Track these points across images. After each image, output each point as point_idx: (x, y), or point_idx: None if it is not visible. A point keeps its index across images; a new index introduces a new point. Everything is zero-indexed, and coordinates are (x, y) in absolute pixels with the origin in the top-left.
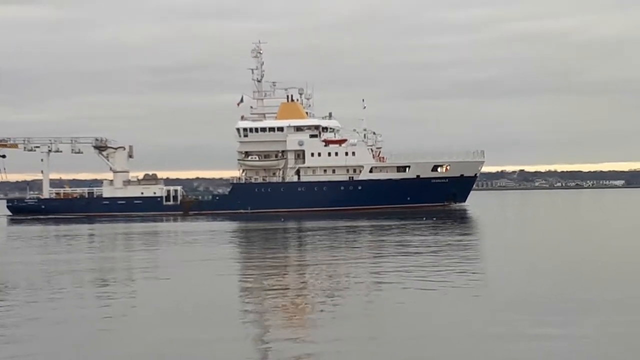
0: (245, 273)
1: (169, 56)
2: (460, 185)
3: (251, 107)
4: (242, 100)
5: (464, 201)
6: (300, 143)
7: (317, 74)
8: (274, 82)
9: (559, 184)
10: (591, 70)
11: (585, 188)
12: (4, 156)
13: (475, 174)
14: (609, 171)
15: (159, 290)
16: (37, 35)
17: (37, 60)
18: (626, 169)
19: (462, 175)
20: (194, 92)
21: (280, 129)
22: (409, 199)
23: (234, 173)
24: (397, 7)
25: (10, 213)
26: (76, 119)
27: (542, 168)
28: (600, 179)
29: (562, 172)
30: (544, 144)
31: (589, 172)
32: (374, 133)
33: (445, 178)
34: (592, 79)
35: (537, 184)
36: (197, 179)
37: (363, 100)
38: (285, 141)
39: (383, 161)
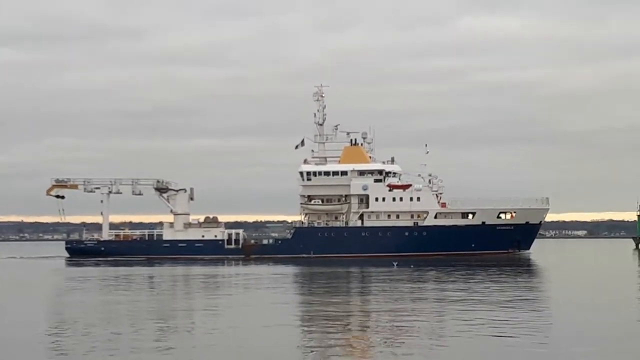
0: (306, 325)
1: (139, 100)
2: (525, 233)
3: (312, 150)
4: (302, 144)
5: (528, 249)
6: (365, 187)
7: (289, 118)
8: (336, 126)
9: None
10: (557, 122)
11: (548, 238)
12: (62, 197)
13: (540, 221)
14: (572, 221)
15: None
16: (5, 77)
17: (4, 103)
18: (589, 219)
19: (527, 223)
20: (164, 136)
21: (344, 172)
22: (473, 245)
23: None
24: (365, 56)
25: (68, 255)
26: (43, 162)
27: None
28: (562, 229)
29: None
30: (506, 192)
31: (552, 221)
32: (436, 178)
33: (510, 225)
34: (558, 130)
35: None
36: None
37: (426, 145)
38: (349, 185)
39: (445, 207)
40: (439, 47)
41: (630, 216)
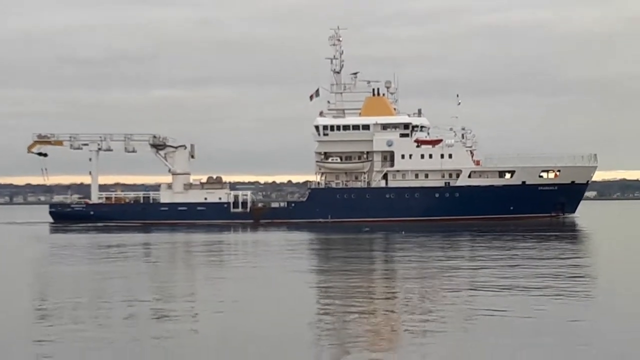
0: (322, 304)
1: (94, 46)
2: (570, 194)
3: (328, 101)
4: (317, 94)
5: (574, 212)
6: (389, 143)
7: (257, 67)
8: (354, 74)
9: None
10: (566, 69)
11: None
12: (45, 155)
13: (587, 181)
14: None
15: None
16: None
17: None
18: (599, 179)
19: (572, 182)
20: (123, 87)
21: (366, 126)
22: (512, 208)
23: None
24: None
25: (52, 220)
26: None
27: None
28: None
29: None
30: (510, 150)
31: None
32: (470, 132)
33: (554, 185)
34: (564, 78)
35: None
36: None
37: (457, 95)
38: (372, 141)
39: (478, 165)
40: None
41: None
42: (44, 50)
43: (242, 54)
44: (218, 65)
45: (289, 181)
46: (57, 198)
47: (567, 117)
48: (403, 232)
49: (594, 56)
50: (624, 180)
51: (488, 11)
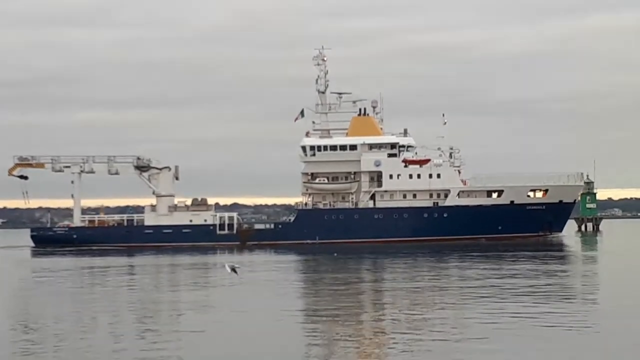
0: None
1: (15, 68)
2: (557, 213)
3: (313, 122)
4: (302, 115)
5: (561, 231)
6: (377, 163)
7: (184, 89)
8: (340, 94)
9: None
10: (494, 90)
11: None
12: (26, 177)
13: (575, 200)
14: None
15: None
16: None
17: None
18: None
19: (560, 202)
20: (46, 109)
21: (354, 147)
22: (500, 228)
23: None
24: (277, 16)
25: (33, 244)
26: None
27: None
28: None
29: None
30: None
31: None
32: (458, 152)
33: (542, 204)
34: (494, 98)
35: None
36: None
37: (443, 115)
38: (359, 161)
39: (465, 184)
40: (357, 6)
41: None
42: None
43: (165, 75)
44: (141, 86)
45: (217, 203)
46: None
47: (492, 137)
48: (335, 254)
49: (519, 77)
50: None
51: (415, 31)
